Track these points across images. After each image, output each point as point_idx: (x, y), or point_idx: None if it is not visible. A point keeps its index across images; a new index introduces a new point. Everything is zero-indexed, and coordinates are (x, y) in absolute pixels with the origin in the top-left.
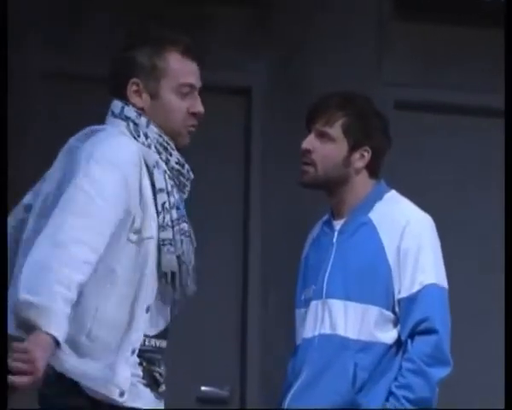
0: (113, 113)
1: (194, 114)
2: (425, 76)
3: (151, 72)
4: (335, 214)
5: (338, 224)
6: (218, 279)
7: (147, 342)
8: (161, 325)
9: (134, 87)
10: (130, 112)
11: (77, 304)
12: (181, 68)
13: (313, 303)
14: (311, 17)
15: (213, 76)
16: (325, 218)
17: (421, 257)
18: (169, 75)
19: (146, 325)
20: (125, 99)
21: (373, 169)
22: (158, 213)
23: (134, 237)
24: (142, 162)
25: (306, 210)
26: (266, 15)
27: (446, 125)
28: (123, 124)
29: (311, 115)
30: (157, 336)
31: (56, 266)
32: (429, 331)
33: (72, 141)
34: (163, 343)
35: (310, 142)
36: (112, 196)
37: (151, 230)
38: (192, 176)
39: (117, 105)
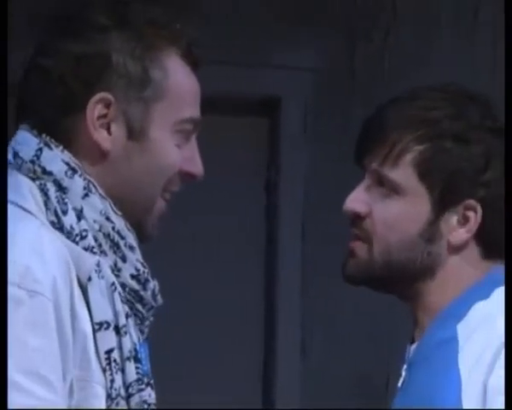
0: (16, 157)
1: (188, 176)
2: None
3: (140, 85)
4: (416, 329)
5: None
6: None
7: None
8: None
9: (101, 109)
10: (54, 160)
11: None
12: (186, 87)
13: None
14: None
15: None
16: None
17: None
18: (168, 98)
19: None
20: (66, 132)
21: (489, 240)
22: (103, 370)
23: None
24: (73, 273)
25: None
26: None
27: None
28: (28, 186)
29: (360, 145)
30: None
31: None
32: None
33: None
34: None
35: (359, 197)
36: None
37: (99, 401)
38: (160, 301)
39: (27, 141)
